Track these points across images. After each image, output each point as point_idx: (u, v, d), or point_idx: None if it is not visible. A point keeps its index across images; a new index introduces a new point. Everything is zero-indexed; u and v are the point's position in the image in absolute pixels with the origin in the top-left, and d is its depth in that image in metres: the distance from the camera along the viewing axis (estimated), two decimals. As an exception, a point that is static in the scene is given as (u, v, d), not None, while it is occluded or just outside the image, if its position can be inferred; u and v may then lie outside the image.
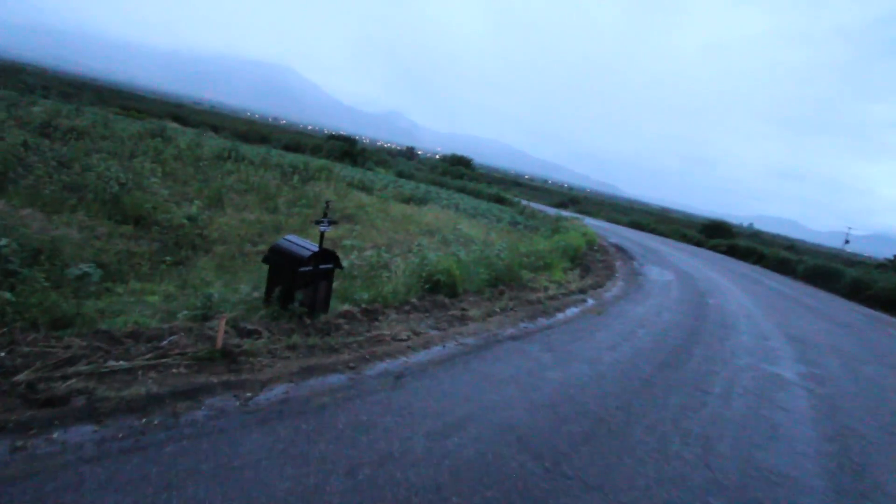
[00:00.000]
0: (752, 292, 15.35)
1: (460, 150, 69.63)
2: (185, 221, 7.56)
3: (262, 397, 3.35)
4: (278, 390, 3.46)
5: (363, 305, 5.74)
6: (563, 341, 6.13)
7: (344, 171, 27.82)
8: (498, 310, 7.19)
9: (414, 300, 6.56)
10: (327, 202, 4.73)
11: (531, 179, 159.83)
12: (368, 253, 7.36)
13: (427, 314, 6.23)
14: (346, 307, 5.53)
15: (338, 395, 3.58)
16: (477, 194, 34.31)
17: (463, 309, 6.78)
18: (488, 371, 4.64)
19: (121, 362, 3.29)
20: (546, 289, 9.38)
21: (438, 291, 7.22)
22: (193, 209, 8.13)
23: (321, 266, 4.99)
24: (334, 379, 3.84)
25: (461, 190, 35.45)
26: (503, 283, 8.90)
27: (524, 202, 34.18)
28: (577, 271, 12.62)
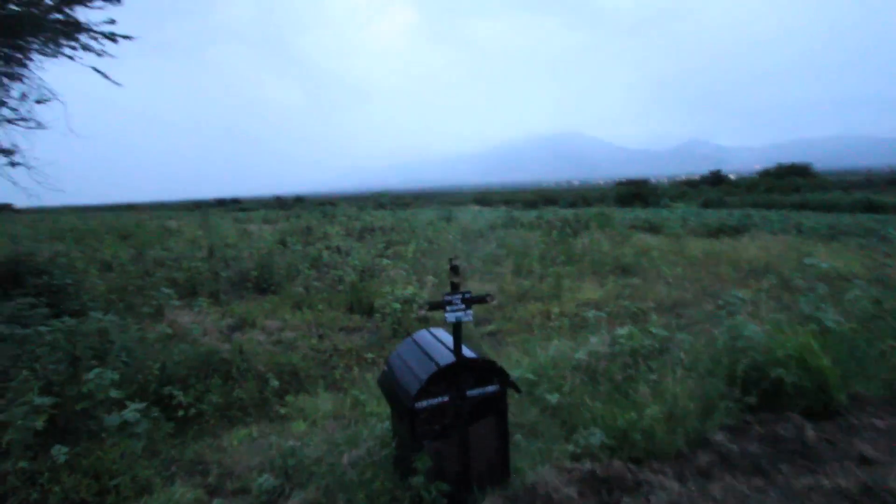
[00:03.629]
0: None
1: (790, 160, 53.88)
2: (395, 307, 6.31)
3: None
4: None
5: (594, 465, 2.72)
6: None
7: (630, 214, 24.22)
8: (982, 461, 2.76)
9: (719, 437, 3.04)
10: (451, 261, 2.27)
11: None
12: (622, 331, 4.27)
13: (759, 480, 2.64)
14: (548, 467, 2.67)
15: None
16: (829, 207, 24.21)
17: (863, 460, 2.79)
18: None
19: None
20: None
21: (781, 405, 3.39)
22: (409, 290, 6.90)
23: (470, 392, 2.41)
24: None
25: (800, 206, 25.87)
26: (959, 368, 3.98)
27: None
28: None
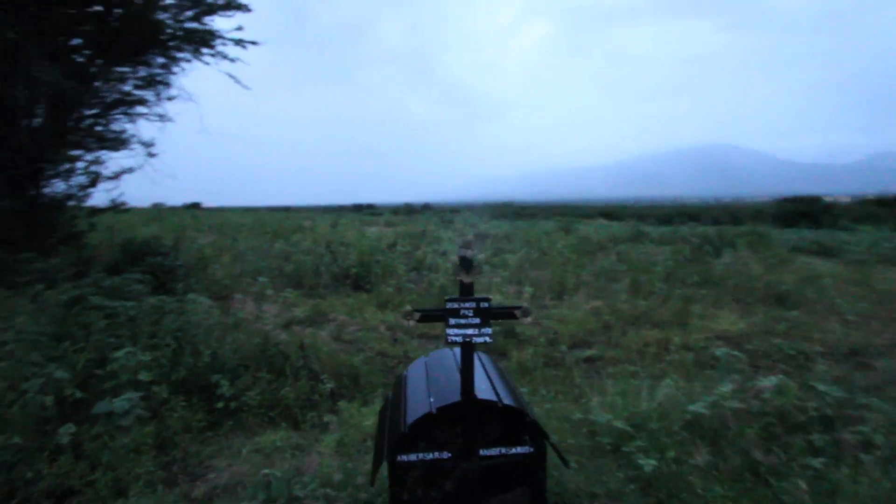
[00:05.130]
0: None
1: None
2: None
3: None
4: None
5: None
6: None
7: (793, 234, 20.10)
8: None
9: None
10: (461, 249, 1.49)
11: None
12: (768, 381, 2.95)
13: None
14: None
15: None
16: None
17: None
18: None
19: None
20: None
21: None
22: (496, 297, 6.10)
23: (486, 452, 1.59)
24: None
25: None
26: None
27: None
28: None
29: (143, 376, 3.10)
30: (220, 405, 3.66)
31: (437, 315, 1.58)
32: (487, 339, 1.56)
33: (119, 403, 2.67)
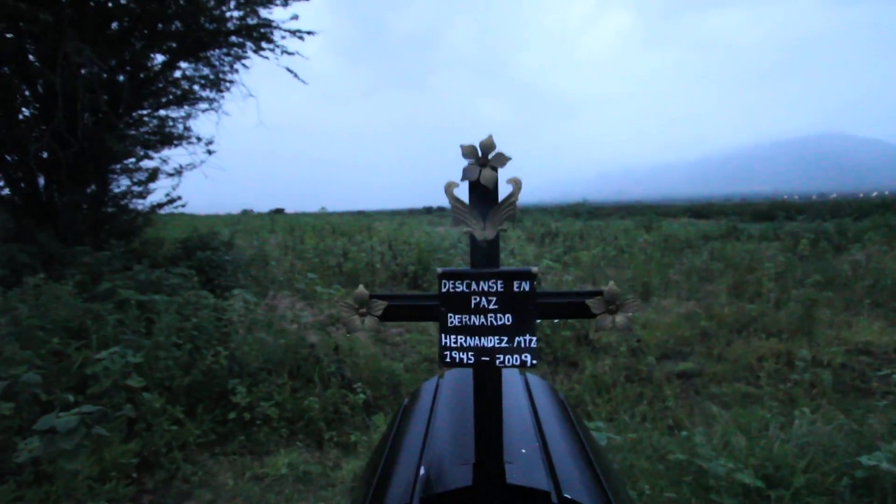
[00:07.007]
0: None
1: None
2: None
3: None
4: None
5: None
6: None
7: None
8: None
9: None
10: (477, 185, 0.70)
11: None
12: None
13: None
14: None
15: None
16: None
17: None
18: None
19: None
20: None
21: None
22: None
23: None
24: None
25: None
26: None
27: None
28: None
29: (134, 381, 2.62)
30: (232, 416, 3.14)
31: (420, 306, 0.79)
32: (530, 357, 0.74)
33: (64, 419, 2.17)
